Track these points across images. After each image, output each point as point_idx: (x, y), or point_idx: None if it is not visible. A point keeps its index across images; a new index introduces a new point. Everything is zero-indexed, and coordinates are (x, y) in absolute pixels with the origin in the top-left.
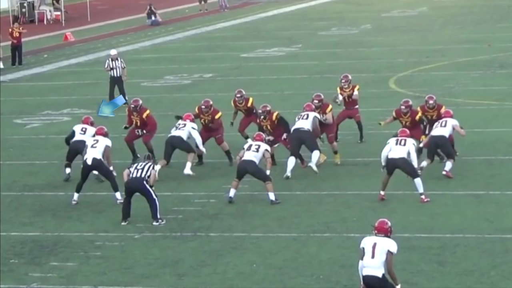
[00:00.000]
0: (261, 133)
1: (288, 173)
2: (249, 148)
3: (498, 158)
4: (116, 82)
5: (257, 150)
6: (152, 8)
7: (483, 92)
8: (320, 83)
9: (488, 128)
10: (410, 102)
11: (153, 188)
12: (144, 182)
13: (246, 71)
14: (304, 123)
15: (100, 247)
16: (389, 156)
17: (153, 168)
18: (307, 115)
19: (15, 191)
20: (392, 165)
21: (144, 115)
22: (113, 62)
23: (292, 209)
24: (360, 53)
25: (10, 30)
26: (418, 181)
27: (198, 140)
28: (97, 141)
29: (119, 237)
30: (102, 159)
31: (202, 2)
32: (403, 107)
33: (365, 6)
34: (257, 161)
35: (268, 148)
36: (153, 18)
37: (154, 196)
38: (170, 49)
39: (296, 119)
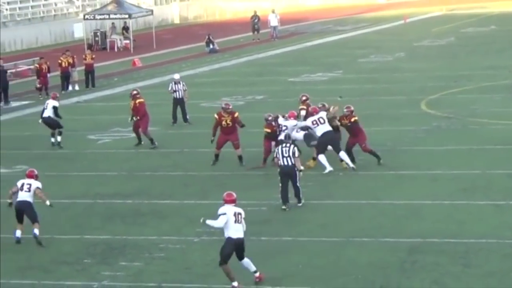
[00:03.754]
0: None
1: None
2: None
3: None
4: (179, 103)
5: (294, 154)
6: (211, 38)
7: (504, 113)
8: (359, 104)
9: (508, 145)
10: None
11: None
12: (295, 169)
13: (293, 94)
14: (326, 126)
15: (163, 249)
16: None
17: (295, 154)
18: (323, 119)
19: (88, 199)
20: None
21: (137, 102)
22: (176, 85)
23: (334, 216)
24: (394, 78)
25: (83, 56)
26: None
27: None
28: (30, 184)
29: (180, 240)
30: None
31: (255, 32)
32: (345, 110)
33: (399, 36)
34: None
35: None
36: (211, 46)
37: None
38: (226, 73)
39: (313, 124)
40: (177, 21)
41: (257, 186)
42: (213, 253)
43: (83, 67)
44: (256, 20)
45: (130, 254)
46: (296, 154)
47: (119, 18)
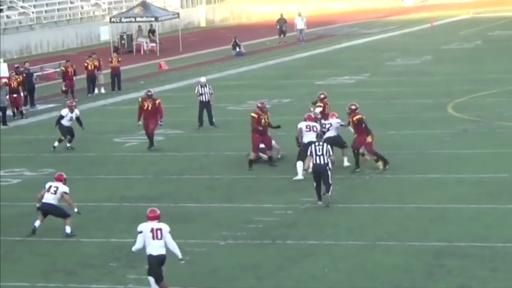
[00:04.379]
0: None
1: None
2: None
3: None
4: (205, 106)
5: (327, 153)
6: (237, 41)
7: None
8: (386, 107)
9: None
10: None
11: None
12: (327, 168)
13: None
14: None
15: (189, 252)
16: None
17: (329, 153)
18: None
19: (114, 202)
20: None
21: (157, 102)
22: (202, 88)
23: (360, 219)
24: (421, 81)
25: (110, 59)
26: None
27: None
28: (57, 187)
29: (206, 243)
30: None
31: (282, 35)
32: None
33: (426, 39)
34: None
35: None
36: (237, 49)
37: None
38: (252, 77)
39: (306, 129)
40: (203, 24)
41: (283, 189)
42: (239, 256)
43: (109, 70)
44: (282, 23)
45: None
46: (331, 153)
47: (146, 21)
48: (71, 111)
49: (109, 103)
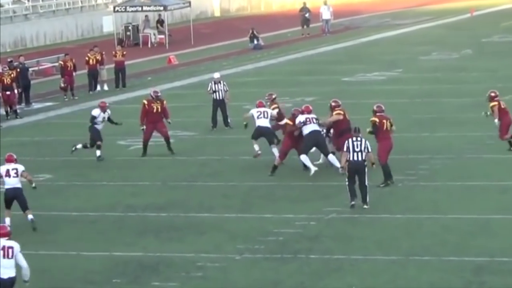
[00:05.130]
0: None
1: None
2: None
3: None
4: (219, 105)
5: (366, 149)
6: (255, 32)
7: None
8: (420, 107)
9: None
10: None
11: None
12: (365, 165)
13: (347, 95)
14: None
15: (201, 267)
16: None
17: (368, 148)
18: (316, 119)
19: (118, 211)
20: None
21: (165, 103)
22: (216, 85)
23: (391, 232)
24: (460, 77)
25: (113, 52)
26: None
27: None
28: (16, 169)
29: (220, 258)
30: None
31: (305, 27)
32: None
33: (466, 31)
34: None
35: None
36: (255, 42)
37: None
38: (272, 72)
39: (306, 121)
40: (217, 13)
41: (306, 197)
42: (256, 272)
43: (113, 65)
44: (305, 13)
45: (164, 273)
46: (369, 149)
47: (153, 10)
48: (103, 111)
49: (113, 101)
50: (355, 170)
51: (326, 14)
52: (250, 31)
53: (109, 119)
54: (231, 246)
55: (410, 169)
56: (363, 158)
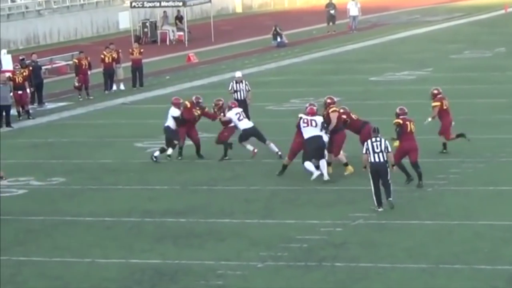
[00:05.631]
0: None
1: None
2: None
3: None
4: (241, 105)
5: (386, 150)
6: (278, 29)
7: None
8: (451, 108)
9: None
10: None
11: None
12: (387, 165)
13: (374, 95)
14: (316, 130)
15: (221, 275)
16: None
17: (388, 149)
18: (315, 121)
19: (135, 217)
20: None
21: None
22: (238, 84)
23: (420, 239)
24: (493, 77)
25: (130, 50)
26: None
27: None
28: None
29: (241, 265)
30: None
31: (330, 23)
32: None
33: (499, 28)
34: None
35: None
36: (278, 39)
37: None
38: (296, 71)
39: (303, 125)
40: (239, 10)
41: (331, 203)
42: (279, 280)
43: (130, 63)
44: (331, 9)
45: (183, 281)
46: (389, 149)
47: (172, 6)
48: (179, 107)
49: (130, 101)
50: (377, 171)
51: (353, 11)
52: (273, 28)
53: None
54: (253, 253)
55: (441, 173)
56: (385, 158)
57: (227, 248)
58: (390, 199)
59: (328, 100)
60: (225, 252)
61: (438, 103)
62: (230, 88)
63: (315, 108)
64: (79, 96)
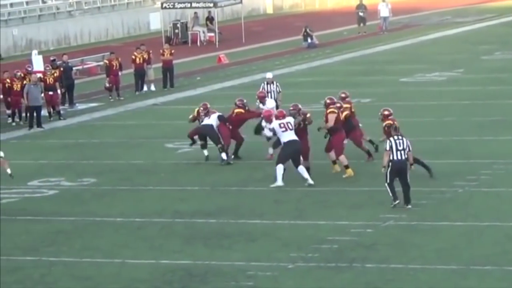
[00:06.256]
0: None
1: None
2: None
3: None
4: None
5: (407, 148)
6: (309, 30)
7: None
8: (482, 109)
9: None
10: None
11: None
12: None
13: (405, 96)
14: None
15: (252, 277)
16: None
17: (409, 149)
18: (290, 123)
19: (165, 217)
20: None
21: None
22: (269, 85)
23: (451, 240)
24: None
25: (161, 51)
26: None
27: None
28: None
29: (271, 266)
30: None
31: (361, 24)
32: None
33: None
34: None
35: None
36: (309, 40)
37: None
38: (327, 72)
39: (281, 129)
40: (270, 11)
41: (361, 204)
42: (309, 282)
43: (160, 64)
44: (361, 11)
45: (213, 282)
46: (410, 148)
47: (203, 7)
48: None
49: (160, 102)
50: (399, 169)
51: (384, 12)
52: (304, 29)
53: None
54: (283, 254)
55: (471, 174)
56: (406, 156)
57: (257, 249)
58: (410, 206)
59: (328, 101)
60: (256, 253)
61: (389, 122)
62: (261, 89)
63: (284, 110)
64: (110, 97)
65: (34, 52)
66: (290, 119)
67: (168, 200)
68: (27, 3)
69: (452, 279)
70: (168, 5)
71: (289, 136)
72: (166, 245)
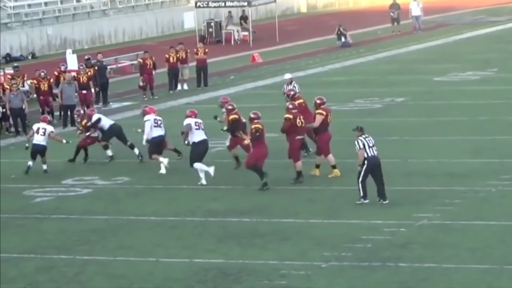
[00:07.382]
0: None
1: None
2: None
3: None
4: None
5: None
6: (342, 29)
7: None
8: None
9: None
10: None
11: None
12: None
13: (438, 96)
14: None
15: (285, 275)
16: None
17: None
18: (202, 123)
19: (199, 216)
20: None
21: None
22: (287, 86)
23: (485, 239)
24: None
25: (195, 50)
26: None
27: None
28: (44, 129)
29: (305, 265)
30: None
31: (395, 24)
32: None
33: None
34: None
35: None
36: (343, 39)
37: None
38: (361, 71)
39: (195, 127)
40: (304, 10)
41: (395, 203)
42: (342, 281)
43: (194, 63)
44: (395, 9)
45: (246, 281)
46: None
47: (237, 6)
48: None
49: (194, 101)
50: (374, 165)
51: (416, 11)
52: (338, 28)
53: None
54: (316, 253)
55: (505, 173)
56: (377, 153)
57: (290, 248)
58: (387, 201)
59: (318, 101)
60: (289, 252)
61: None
62: (283, 89)
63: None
64: (144, 96)
65: (69, 51)
66: (199, 120)
67: (201, 199)
68: (61, 2)
69: (485, 278)
70: (202, 4)
71: (200, 135)
72: (199, 244)
